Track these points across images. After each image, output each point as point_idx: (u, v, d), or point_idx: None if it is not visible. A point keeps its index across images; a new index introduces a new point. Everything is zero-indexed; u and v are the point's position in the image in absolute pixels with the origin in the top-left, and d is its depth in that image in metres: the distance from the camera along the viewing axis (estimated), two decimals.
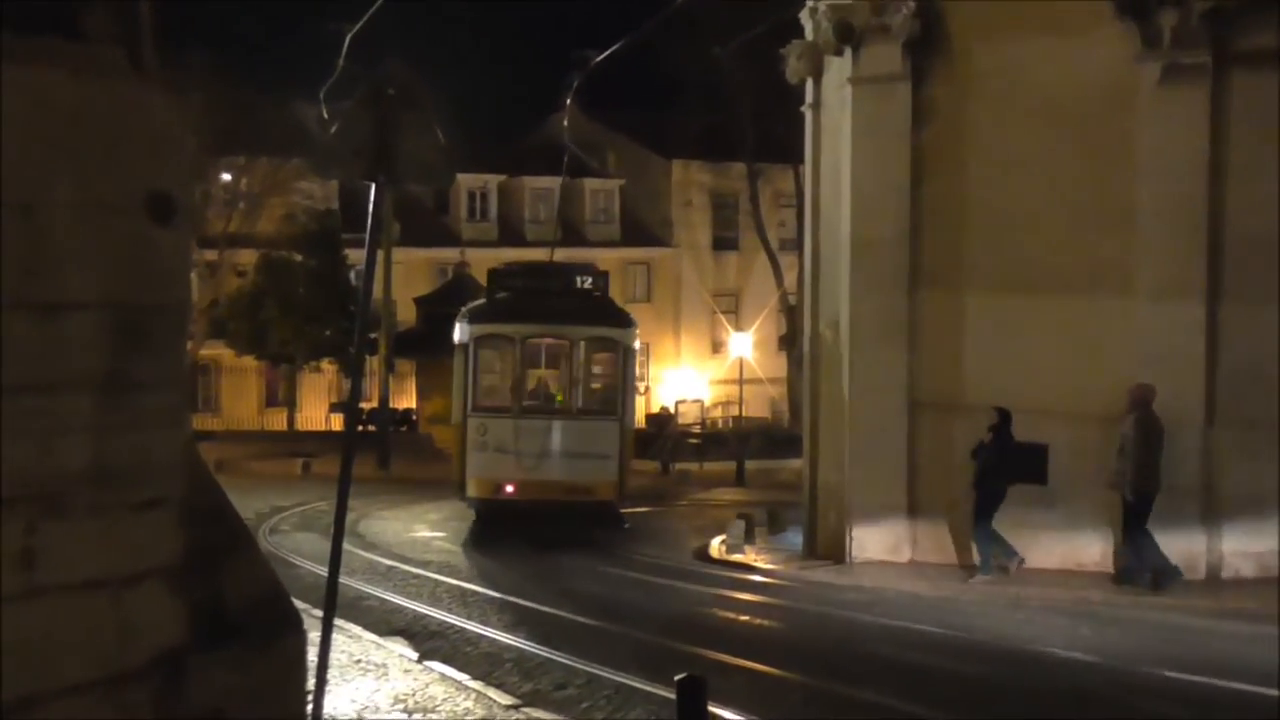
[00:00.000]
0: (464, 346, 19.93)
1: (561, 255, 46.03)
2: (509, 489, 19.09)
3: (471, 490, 19.45)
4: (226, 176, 37.43)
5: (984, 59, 15.62)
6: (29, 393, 2.75)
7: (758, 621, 12.18)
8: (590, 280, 20.37)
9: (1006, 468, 14.64)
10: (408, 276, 40.32)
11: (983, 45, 15.63)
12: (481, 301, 21.01)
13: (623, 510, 20.18)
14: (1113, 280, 14.83)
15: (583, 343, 19.68)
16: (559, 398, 19.81)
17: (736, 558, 17.65)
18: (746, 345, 40.67)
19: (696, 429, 43.09)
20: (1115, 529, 14.49)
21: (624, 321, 20.19)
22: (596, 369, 20.19)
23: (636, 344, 20.49)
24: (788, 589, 14.74)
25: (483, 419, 19.45)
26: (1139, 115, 14.65)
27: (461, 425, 19.54)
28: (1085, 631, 11.52)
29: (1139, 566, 13.89)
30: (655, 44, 33.47)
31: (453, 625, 11.35)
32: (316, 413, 40.38)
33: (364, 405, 33.76)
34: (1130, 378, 14.42)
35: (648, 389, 25.60)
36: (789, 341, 41.27)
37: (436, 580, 14.47)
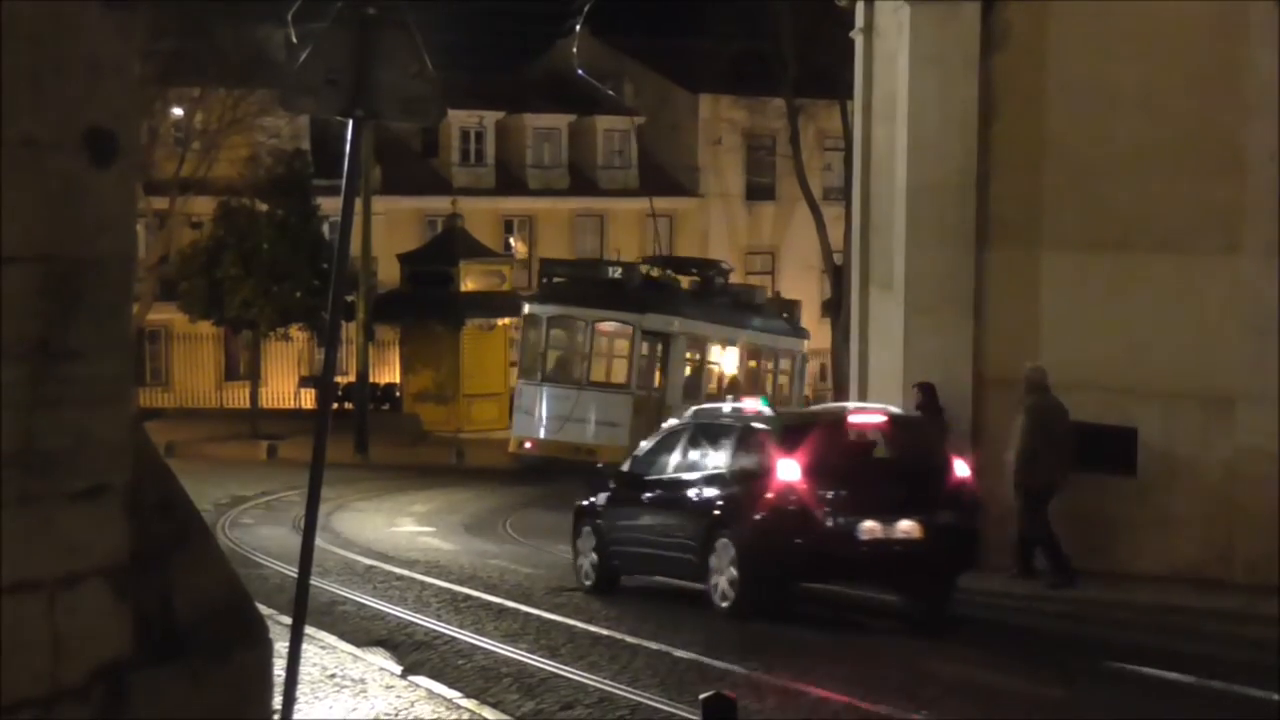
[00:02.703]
0: (521, 323, 28.50)
1: (571, 205, 46.21)
2: (528, 445, 26.32)
3: (510, 446, 27.34)
4: (178, 111, 37.41)
5: None
6: None
7: (794, 633, 12.20)
8: (620, 270, 27.08)
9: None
10: (390, 229, 40.34)
11: None
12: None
13: None
14: (1219, 235, 14.73)
15: (595, 324, 26.13)
16: (575, 370, 26.25)
17: None
18: None
19: None
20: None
21: (645, 307, 25.92)
22: (613, 347, 26.60)
23: (673, 327, 26.15)
24: (830, 595, 14.78)
25: (521, 385, 27.16)
26: (1252, 39, 14.51)
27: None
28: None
29: (1053, 566, 14.54)
30: None
31: (442, 634, 11.41)
32: (284, 388, 40.51)
33: (339, 379, 33.81)
34: (1240, 349, 14.34)
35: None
36: (834, 307, 41.19)
37: (423, 582, 14.54)
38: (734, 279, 34.95)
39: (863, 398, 17.43)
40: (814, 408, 14.45)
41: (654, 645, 10.90)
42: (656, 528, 13.58)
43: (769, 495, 12.30)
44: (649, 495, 13.80)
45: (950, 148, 15.88)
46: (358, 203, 28.52)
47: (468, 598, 13.50)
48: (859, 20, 17.57)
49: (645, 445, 14.80)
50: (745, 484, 12.66)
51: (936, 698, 9.39)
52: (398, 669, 9.67)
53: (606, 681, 9.48)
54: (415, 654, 10.51)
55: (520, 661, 10.24)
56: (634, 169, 47.58)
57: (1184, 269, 14.98)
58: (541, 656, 10.39)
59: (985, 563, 15.42)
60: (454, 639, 11.21)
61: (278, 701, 6.11)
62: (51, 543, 2.92)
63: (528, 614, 12.49)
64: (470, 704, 8.65)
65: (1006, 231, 15.91)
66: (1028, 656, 11.22)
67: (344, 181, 7.11)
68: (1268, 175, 14.46)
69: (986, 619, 13.18)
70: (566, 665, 10.05)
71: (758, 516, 12.36)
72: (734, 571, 12.36)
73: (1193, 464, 14.80)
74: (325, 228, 36.40)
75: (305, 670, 8.17)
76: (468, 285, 38.48)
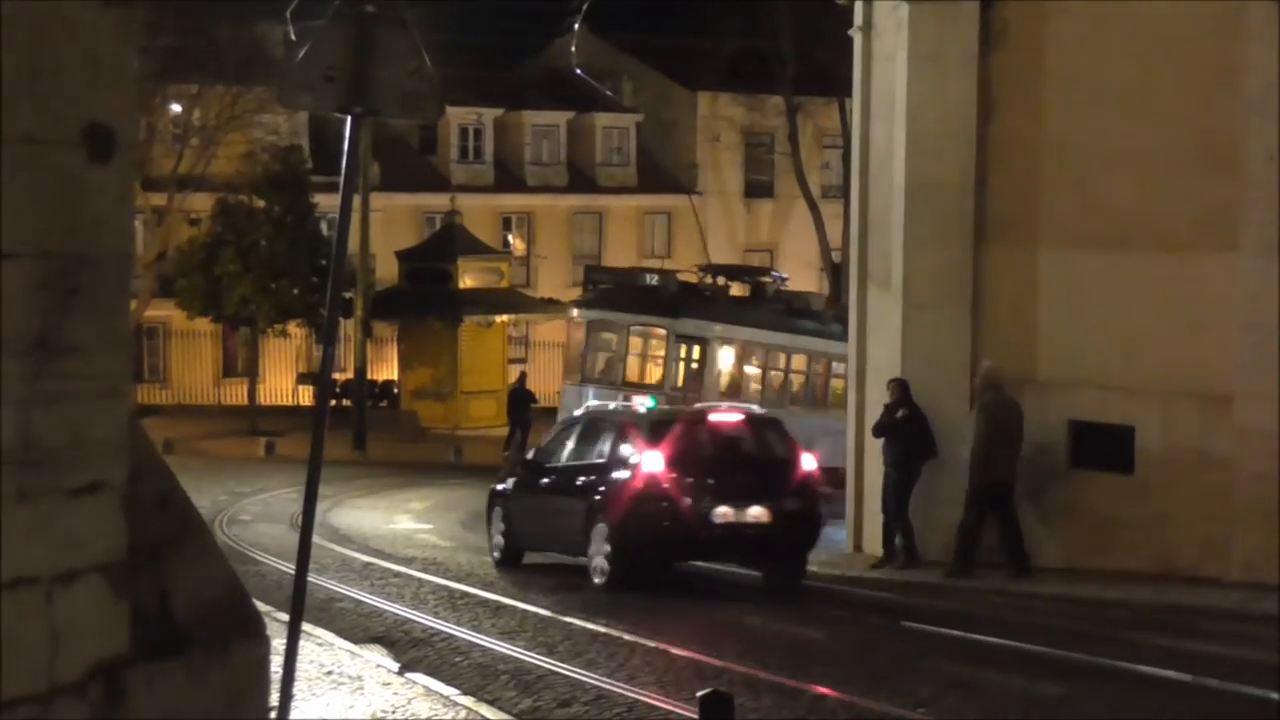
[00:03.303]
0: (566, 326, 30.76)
1: (569, 203, 46.19)
2: None
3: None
4: (176, 108, 37.37)
5: None
6: None
7: (793, 629, 12.20)
8: (655, 277, 28.48)
9: (924, 444, 15.55)
10: (389, 226, 40.31)
11: None
12: None
13: None
14: (1216, 234, 14.73)
15: (632, 328, 27.50)
16: (614, 372, 27.57)
17: None
18: None
19: None
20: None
21: (680, 312, 27.23)
22: (649, 350, 27.88)
23: (708, 332, 27.08)
24: (828, 592, 14.80)
25: (565, 386, 28.67)
26: (1252, 39, 14.50)
27: None
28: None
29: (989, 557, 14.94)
30: None
31: (439, 631, 11.41)
32: (282, 385, 40.47)
33: (337, 376, 33.77)
34: (1238, 348, 14.35)
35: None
36: (833, 304, 41.18)
37: (421, 579, 14.55)
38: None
39: (860, 394, 17.44)
40: (694, 407, 17.25)
41: (655, 643, 10.89)
42: (550, 510, 15.28)
43: (636, 483, 14.12)
44: (546, 481, 15.61)
45: (948, 146, 15.87)
46: (356, 199, 28.62)
47: (465, 594, 13.51)
48: (857, 18, 17.56)
49: (548, 437, 16.65)
50: (618, 473, 14.46)
51: (922, 692, 9.39)
52: (395, 666, 9.67)
53: (603, 678, 9.48)
54: (412, 651, 10.51)
55: (517, 658, 10.24)
56: (632, 166, 47.56)
57: (1182, 268, 14.97)
58: (538, 653, 10.39)
59: (983, 561, 15.45)
60: (451, 636, 11.21)
61: (275, 698, 6.11)
62: (49, 539, 2.92)
63: (525, 611, 12.49)
64: (467, 701, 8.66)
65: (1004, 230, 15.90)
66: (1022, 652, 11.23)
67: (342, 178, 7.11)
68: (1267, 175, 14.45)
69: (982, 615, 13.20)
70: (563, 662, 10.05)
71: (626, 502, 14.10)
72: (608, 551, 14.08)
73: (1190, 462, 14.81)
74: (323, 224, 36.35)
75: (302, 667, 8.17)
76: (466, 282, 38.46)
